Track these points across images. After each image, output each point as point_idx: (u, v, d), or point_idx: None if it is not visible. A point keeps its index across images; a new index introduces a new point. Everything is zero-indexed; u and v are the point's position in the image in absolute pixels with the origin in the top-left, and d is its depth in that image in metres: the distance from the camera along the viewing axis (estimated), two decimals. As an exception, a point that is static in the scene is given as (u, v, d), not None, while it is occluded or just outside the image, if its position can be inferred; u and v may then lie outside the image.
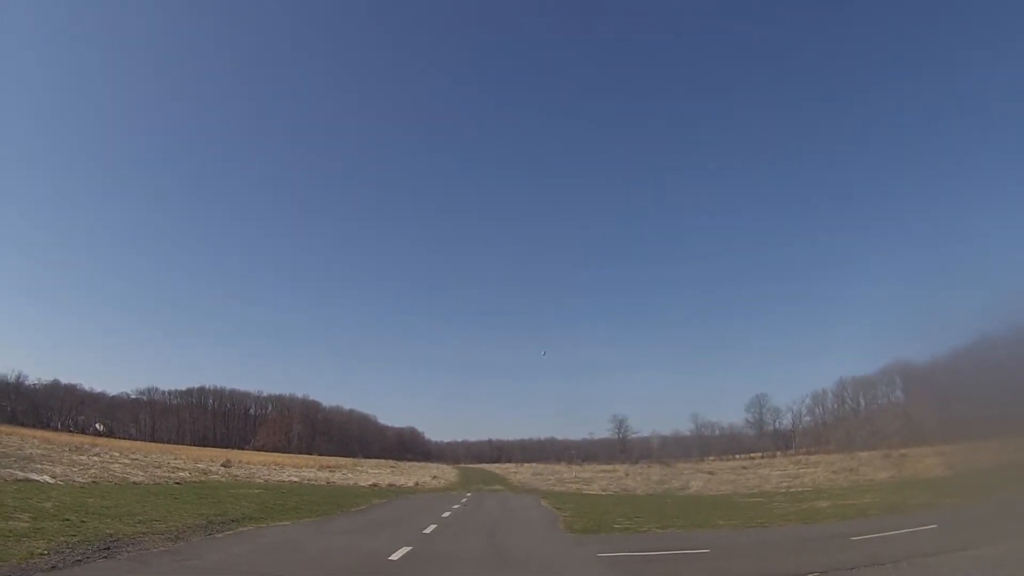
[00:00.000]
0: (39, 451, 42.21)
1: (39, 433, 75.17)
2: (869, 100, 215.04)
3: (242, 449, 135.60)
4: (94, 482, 30.50)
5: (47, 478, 28.06)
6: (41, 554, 13.10)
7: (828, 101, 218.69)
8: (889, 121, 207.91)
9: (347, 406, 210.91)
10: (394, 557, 16.66)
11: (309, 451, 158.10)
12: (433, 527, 25.35)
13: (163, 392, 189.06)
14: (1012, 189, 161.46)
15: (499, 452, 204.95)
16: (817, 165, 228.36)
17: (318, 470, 76.62)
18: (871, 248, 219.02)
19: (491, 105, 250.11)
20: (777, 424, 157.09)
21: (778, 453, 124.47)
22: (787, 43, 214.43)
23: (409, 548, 18.23)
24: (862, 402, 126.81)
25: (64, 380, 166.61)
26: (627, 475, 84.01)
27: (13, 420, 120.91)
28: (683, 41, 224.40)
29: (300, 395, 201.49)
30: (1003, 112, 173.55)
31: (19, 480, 25.83)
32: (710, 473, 77.63)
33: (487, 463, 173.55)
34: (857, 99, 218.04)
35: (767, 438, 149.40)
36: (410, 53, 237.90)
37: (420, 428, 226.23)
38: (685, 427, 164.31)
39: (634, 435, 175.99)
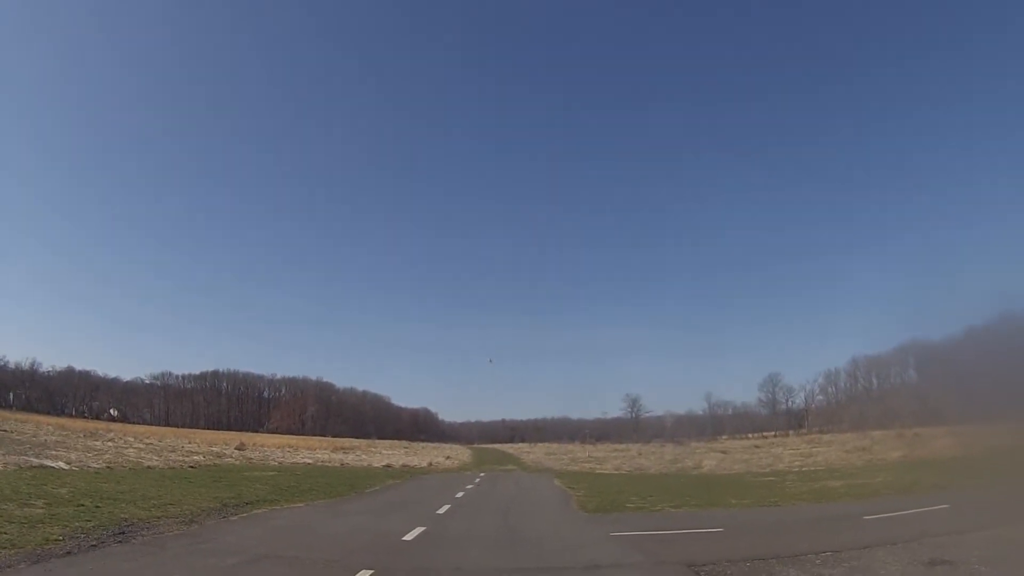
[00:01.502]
0: (54, 437, 42.43)
1: (54, 420, 75.65)
2: (886, 79, 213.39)
3: (256, 432, 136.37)
4: (108, 467, 30.65)
5: (62, 464, 28.22)
6: (56, 540, 13.16)
7: (833, 88, 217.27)
8: (907, 100, 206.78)
9: (361, 388, 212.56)
10: (408, 537, 16.74)
11: (323, 433, 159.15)
12: (447, 507, 25.45)
13: (177, 376, 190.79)
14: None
15: (512, 432, 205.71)
16: (831, 145, 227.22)
17: (332, 452, 76.97)
18: (886, 227, 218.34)
19: (499, 92, 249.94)
20: (790, 403, 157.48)
21: (791, 432, 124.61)
22: (794, 28, 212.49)
23: (423, 528, 18.33)
24: (875, 381, 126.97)
25: (78, 367, 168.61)
26: (640, 454, 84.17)
27: (28, 407, 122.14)
28: (688, 29, 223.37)
29: (314, 377, 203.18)
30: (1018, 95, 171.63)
31: (34, 466, 25.96)
32: (723, 452, 77.61)
33: (501, 443, 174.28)
34: (874, 78, 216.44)
35: (780, 417, 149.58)
36: (417, 42, 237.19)
37: (434, 409, 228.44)
38: (698, 406, 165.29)
39: (647, 415, 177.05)
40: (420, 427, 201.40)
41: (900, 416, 74.17)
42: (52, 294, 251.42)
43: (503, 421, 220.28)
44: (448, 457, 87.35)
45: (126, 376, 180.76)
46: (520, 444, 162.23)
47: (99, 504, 17.96)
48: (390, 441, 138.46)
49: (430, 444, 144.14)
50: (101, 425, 76.21)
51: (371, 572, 11.94)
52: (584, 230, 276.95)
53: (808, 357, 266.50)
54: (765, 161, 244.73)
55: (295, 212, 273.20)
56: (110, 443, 45.67)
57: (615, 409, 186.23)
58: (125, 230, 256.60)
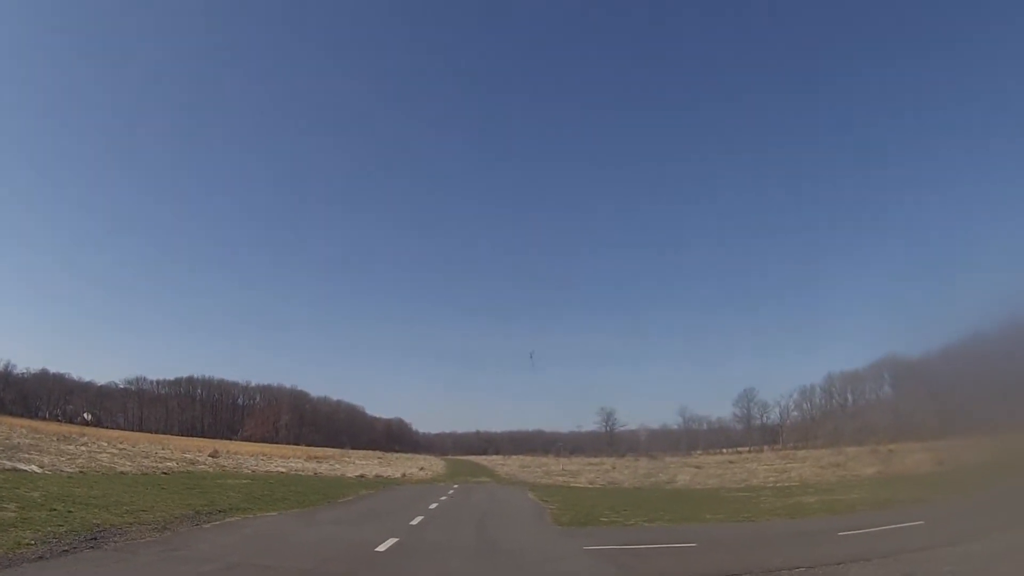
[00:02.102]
0: (27, 440, 42.03)
1: (27, 422, 74.75)
2: (853, 94, 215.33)
3: (230, 439, 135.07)
4: (82, 472, 30.39)
5: (35, 467, 27.96)
6: (28, 544, 13.08)
7: (814, 93, 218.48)
8: (881, 114, 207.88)
9: (335, 397, 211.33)
10: (381, 548, 16.73)
11: (297, 442, 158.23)
12: (420, 519, 25.42)
13: (151, 382, 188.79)
14: (1006, 186, 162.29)
15: (487, 444, 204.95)
16: (806, 160, 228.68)
17: (306, 461, 76.58)
18: (862, 244, 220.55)
19: (486, 96, 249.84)
20: (765, 419, 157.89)
21: (766, 448, 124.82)
22: (787, 31, 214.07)
23: (396, 539, 18.30)
24: (850, 398, 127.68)
25: (52, 369, 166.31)
26: (614, 468, 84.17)
27: (1, 409, 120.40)
28: (682, 30, 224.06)
29: (288, 385, 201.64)
30: (997, 108, 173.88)
31: (6, 470, 25.71)
32: (697, 467, 77.80)
33: (475, 455, 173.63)
34: (842, 92, 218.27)
35: (755, 432, 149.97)
36: (410, 45, 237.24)
37: (408, 419, 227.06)
38: (673, 421, 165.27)
39: (622, 428, 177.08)
40: (394, 437, 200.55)
41: (875, 432, 74.75)
42: (27, 296, 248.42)
43: (477, 433, 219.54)
44: (422, 468, 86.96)
45: (100, 380, 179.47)
46: (494, 456, 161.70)
47: (72, 509, 17.82)
48: (364, 451, 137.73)
49: (404, 455, 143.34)
50: (75, 429, 75.55)
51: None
52: (562, 238, 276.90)
53: (784, 373, 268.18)
54: (740, 176, 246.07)
55: (273, 216, 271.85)
56: (83, 447, 45.24)
57: (590, 423, 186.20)
58: (102, 231, 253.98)
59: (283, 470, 56.91)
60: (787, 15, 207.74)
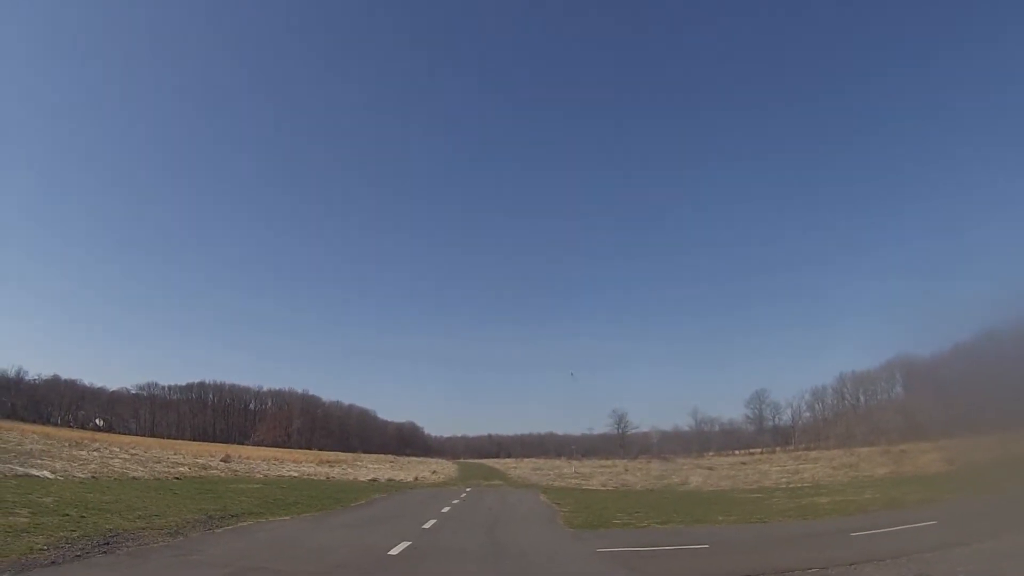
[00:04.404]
0: (39, 446, 42.14)
1: (39, 428, 75.00)
2: (867, 94, 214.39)
3: (242, 444, 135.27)
4: (94, 477, 30.53)
5: (47, 473, 28.09)
6: (41, 549, 13.13)
7: (823, 97, 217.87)
8: (892, 115, 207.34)
9: (347, 401, 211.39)
10: (393, 552, 16.71)
11: (309, 446, 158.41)
12: (432, 522, 25.40)
13: (163, 387, 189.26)
14: (1016, 182, 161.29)
15: (499, 447, 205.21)
16: (816, 160, 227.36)
17: (317, 465, 76.67)
18: (872, 243, 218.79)
19: (491, 102, 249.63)
20: (777, 420, 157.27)
21: (777, 449, 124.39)
22: (789, 37, 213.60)
23: (408, 543, 18.28)
24: (862, 398, 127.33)
25: (64, 375, 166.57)
26: (626, 470, 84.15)
27: (13, 415, 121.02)
28: (684, 37, 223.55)
29: (300, 390, 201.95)
30: (1004, 105, 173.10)
31: (19, 475, 25.87)
32: (709, 468, 77.64)
33: (487, 458, 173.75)
34: (854, 94, 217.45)
35: (766, 434, 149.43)
36: (412, 51, 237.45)
37: (420, 423, 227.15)
38: (684, 422, 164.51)
39: (634, 430, 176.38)
40: (406, 441, 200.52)
41: (887, 432, 74.47)
42: (38, 302, 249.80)
43: (489, 436, 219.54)
44: (434, 472, 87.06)
45: (112, 386, 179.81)
46: (506, 459, 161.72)
47: (84, 514, 17.90)
48: (376, 455, 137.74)
49: (416, 458, 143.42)
50: (86, 435, 75.51)
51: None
52: (573, 242, 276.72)
53: (795, 374, 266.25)
54: (750, 178, 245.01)
55: (282, 222, 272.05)
56: (95, 453, 45.38)
57: (601, 425, 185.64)
58: (111, 238, 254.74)
59: (295, 474, 57.06)
60: (786, 19, 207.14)
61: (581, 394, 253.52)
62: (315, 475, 59.78)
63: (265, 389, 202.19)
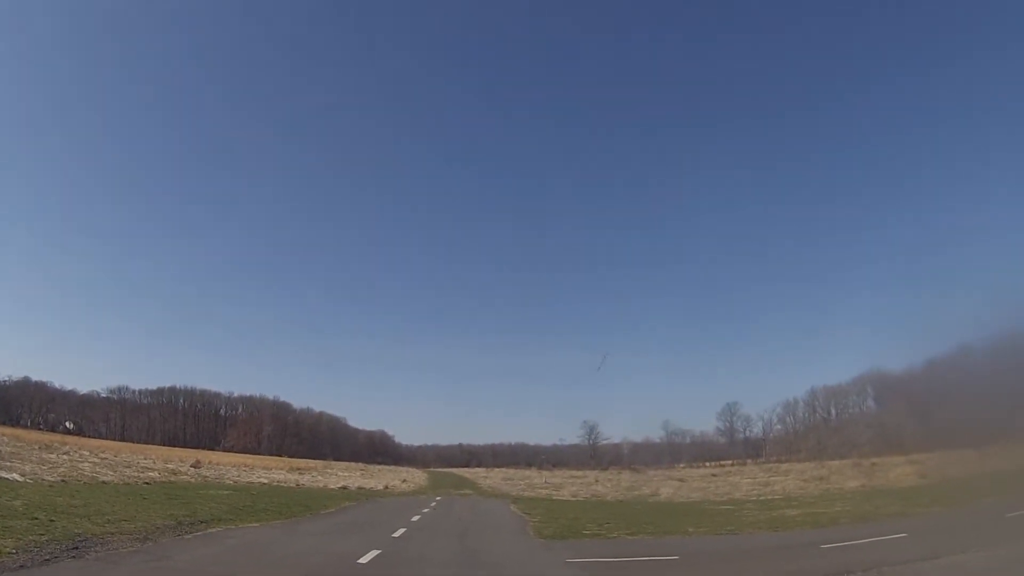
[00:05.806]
0: (8, 449, 41.69)
1: (8, 430, 74.00)
2: (851, 106, 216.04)
3: (212, 450, 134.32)
4: (63, 481, 30.29)
5: (16, 476, 27.87)
6: (10, 553, 13.09)
7: (811, 108, 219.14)
8: (874, 129, 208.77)
9: (317, 408, 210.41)
10: (363, 560, 16.76)
11: (279, 453, 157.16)
12: (402, 531, 25.40)
13: (134, 391, 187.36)
14: (994, 200, 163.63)
15: (469, 456, 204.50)
16: (792, 176, 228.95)
17: (288, 472, 76.30)
18: (847, 259, 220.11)
19: (481, 107, 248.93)
20: (748, 432, 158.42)
21: (749, 461, 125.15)
22: (785, 44, 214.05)
23: (378, 551, 18.31)
24: (833, 412, 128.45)
25: (35, 377, 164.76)
26: (597, 481, 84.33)
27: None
28: (679, 42, 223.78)
29: (271, 396, 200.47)
30: (988, 122, 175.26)
31: (-13, 478, 25.64)
32: (680, 480, 78.02)
33: (457, 467, 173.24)
34: (837, 105, 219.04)
35: (738, 446, 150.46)
36: (405, 53, 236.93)
37: (390, 431, 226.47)
38: (656, 434, 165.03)
39: (605, 441, 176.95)
40: (377, 449, 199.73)
41: (858, 445, 75.29)
42: (9, 303, 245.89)
43: (460, 445, 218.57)
44: (404, 480, 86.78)
45: (83, 389, 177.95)
46: (477, 469, 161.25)
47: (53, 518, 17.80)
48: (346, 463, 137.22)
49: (386, 467, 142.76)
50: (56, 437, 74.66)
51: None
52: (541, 252, 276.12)
53: (767, 387, 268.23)
54: (727, 192, 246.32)
55: (259, 227, 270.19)
56: (65, 456, 44.98)
57: (572, 436, 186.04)
58: (82, 239, 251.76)
59: (265, 481, 56.75)
60: (785, 23, 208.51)
61: (554, 405, 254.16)
62: (285, 482, 59.49)
63: (236, 395, 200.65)
